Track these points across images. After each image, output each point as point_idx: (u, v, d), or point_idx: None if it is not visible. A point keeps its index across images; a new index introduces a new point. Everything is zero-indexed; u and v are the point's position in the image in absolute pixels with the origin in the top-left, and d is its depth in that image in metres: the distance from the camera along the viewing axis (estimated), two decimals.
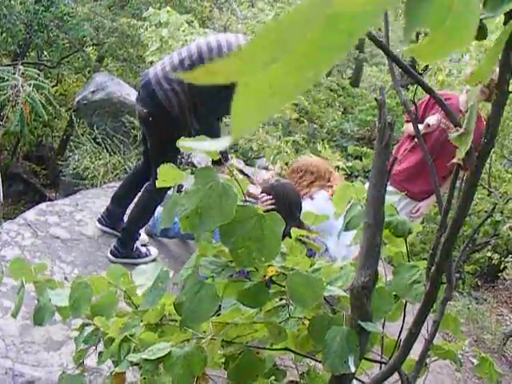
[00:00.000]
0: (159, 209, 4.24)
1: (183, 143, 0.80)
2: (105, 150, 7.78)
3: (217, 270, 1.50)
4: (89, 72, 11.70)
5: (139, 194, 4.25)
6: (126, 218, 4.39)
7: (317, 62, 0.38)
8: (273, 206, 3.60)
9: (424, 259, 1.63)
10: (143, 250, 4.37)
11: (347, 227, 1.80)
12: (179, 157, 6.25)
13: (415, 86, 9.43)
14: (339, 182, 4.32)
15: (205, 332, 1.69)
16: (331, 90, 13.62)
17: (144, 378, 1.63)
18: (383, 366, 1.67)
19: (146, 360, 1.57)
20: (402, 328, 1.78)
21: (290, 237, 1.79)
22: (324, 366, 1.48)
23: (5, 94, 6.89)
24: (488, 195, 9.06)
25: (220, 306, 1.88)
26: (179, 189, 1.59)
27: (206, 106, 3.90)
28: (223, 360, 1.71)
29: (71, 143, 8.67)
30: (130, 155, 7.70)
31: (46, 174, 12.34)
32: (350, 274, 1.70)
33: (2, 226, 4.47)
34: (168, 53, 6.75)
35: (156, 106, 3.94)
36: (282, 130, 9.16)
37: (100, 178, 7.38)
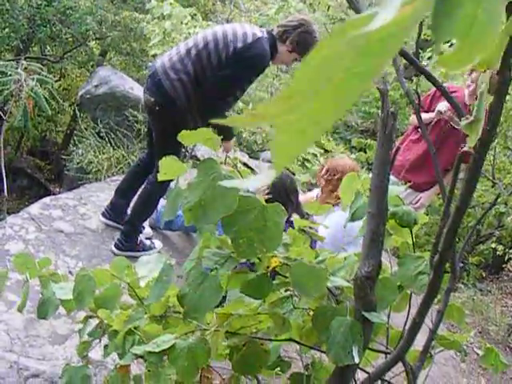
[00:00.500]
0: (162, 201, 4.24)
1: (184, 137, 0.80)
2: (108, 144, 7.79)
3: (220, 262, 1.50)
4: (92, 66, 11.71)
5: (142, 186, 4.25)
6: (129, 211, 4.39)
7: (353, 88, 0.39)
8: (270, 196, 3.62)
9: (429, 251, 1.63)
10: (147, 242, 4.37)
11: (353, 218, 1.80)
12: (183, 150, 6.25)
13: (419, 77, 9.42)
14: None
15: (209, 323, 1.70)
16: None
17: (149, 371, 1.63)
18: (388, 356, 1.67)
19: (150, 352, 1.57)
20: (407, 319, 1.77)
21: (291, 223, 1.79)
22: (328, 356, 1.48)
23: (8, 89, 6.88)
24: (492, 187, 9.05)
25: (225, 297, 1.88)
26: None
27: (214, 91, 3.90)
28: (228, 351, 1.72)
29: (75, 138, 8.68)
30: (133, 149, 7.70)
31: (50, 168, 12.35)
32: (354, 264, 1.70)
33: (6, 220, 4.48)
34: (171, 45, 6.74)
35: (162, 96, 3.95)
36: None
37: (104, 172, 7.39)
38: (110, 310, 1.84)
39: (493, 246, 8.66)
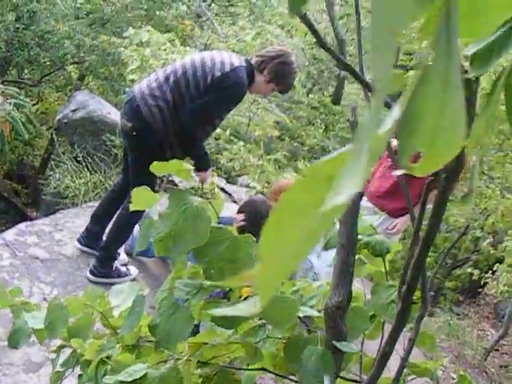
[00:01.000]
0: (137, 227, 4.23)
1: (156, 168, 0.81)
2: (85, 169, 7.76)
3: (192, 292, 1.50)
4: (70, 90, 11.69)
5: (118, 212, 4.25)
6: (104, 237, 4.38)
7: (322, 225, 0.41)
8: (245, 223, 3.65)
9: None
10: (123, 269, 4.35)
11: (326, 247, 1.81)
12: (160, 176, 6.25)
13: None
14: None
15: (182, 353, 1.70)
16: (312, 108, 13.66)
17: None
18: None
19: (122, 382, 1.57)
20: (379, 347, 1.79)
21: None
22: None
23: None
24: None
25: (198, 327, 1.89)
26: None
27: (192, 120, 3.91)
28: (200, 381, 1.72)
29: (52, 162, 8.64)
30: (110, 174, 7.68)
31: (27, 192, 12.26)
32: (326, 293, 1.71)
33: None
34: (148, 71, 6.76)
35: (140, 121, 3.96)
36: (263, 148, 9.19)
37: (81, 197, 7.35)
38: (83, 339, 1.84)
39: (469, 270, 8.71)
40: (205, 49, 9.12)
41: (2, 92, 7.48)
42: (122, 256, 4.51)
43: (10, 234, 4.58)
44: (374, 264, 1.88)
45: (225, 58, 4.03)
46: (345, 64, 1.34)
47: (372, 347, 1.94)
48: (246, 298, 1.61)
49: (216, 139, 8.21)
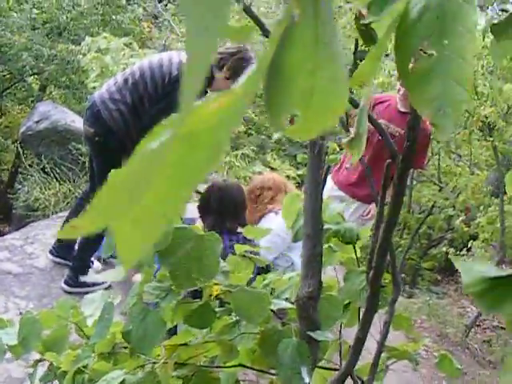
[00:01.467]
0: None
1: None
2: (54, 180, 7.70)
3: (161, 296, 1.50)
4: (32, 102, 11.58)
5: None
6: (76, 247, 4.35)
7: (183, 184, 0.38)
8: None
9: None
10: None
11: (295, 239, 1.81)
12: None
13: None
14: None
15: (158, 356, 1.69)
16: None
17: None
18: None
19: None
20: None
21: (239, 238, 1.82)
22: (279, 379, 1.49)
23: None
24: (439, 190, 9.19)
25: (175, 329, 1.88)
26: None
27: (151, 124, 3.89)
28: (180, 382, 1.71)
29: (20, 175, 8.57)
30: (79, 182, 7.63)
31: None
32: (298, 284, 1.71)
33: None
34: (110, 77, 6.73)
35: (101, 126, 3.94)
36: (230, 143, 9.17)
37: (51, 208, 7.30)
38: (59, 351, 1.82)
39: (444, 249, 8.77)
40: (164, 50, 9.07)
41: None
42: (96, 264, 4.48)
43: None
44: (345, 251, 1.88)
45: (182, 57, 4.02)
46: None
47: (352, 334, 1.94)
48: (217, 297, 1.61)
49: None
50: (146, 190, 0.36)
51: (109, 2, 10.57)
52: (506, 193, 6.78)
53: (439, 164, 8.92)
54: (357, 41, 1.80)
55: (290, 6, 0.40)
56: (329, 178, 5.35)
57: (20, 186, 8.20)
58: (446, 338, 6.17)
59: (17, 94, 11.75)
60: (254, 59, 4.08)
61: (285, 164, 9.66)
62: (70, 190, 7.52)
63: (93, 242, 4.21)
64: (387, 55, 5.25)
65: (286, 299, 1.72)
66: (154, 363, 1.63)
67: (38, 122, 8.70)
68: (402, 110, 4.83)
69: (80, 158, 7.82)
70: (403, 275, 8.94)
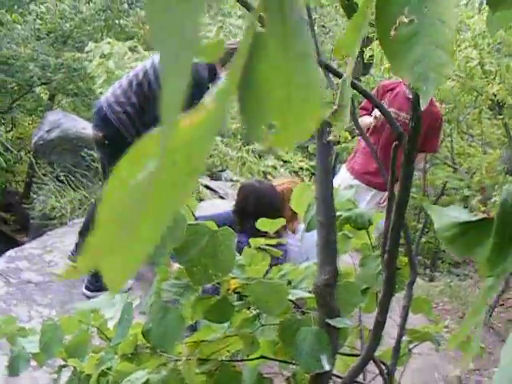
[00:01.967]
0: None
1: None
2: (69, 187, 7.73)
3: (179, 292, 1.51)
4: (42, 112, 11.64)
5: None
6: None
7: (165, 205, 0.38)
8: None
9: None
10: None
11: (308, 229, 1.81)
12: None
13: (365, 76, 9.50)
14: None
15: (181, 354, 1.70)
16: None
17: None
18: None
19: None
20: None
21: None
22: (299, 367, 1.49)
23: None
24: (454, 172, 9.15)
25: (196, 326, 1.89)
26: None
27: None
28: (204, 378, 1.72)
29: (34, 185, 8.61)
30: (94, 188, 7.66)
31: (14, 219, 12.21)
32: (315, 273, 1.72)
33: None
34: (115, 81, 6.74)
35: (110, 130, 3.97)
36: (242, 139, 9.17)
37: (68, 216, 7.33)
38: (82, 355, 1.83)
39: None
40: None
41: None
42: None
43: (0, 263, 4.57)
44: (359, 237, 1.88)
45: None
46: None
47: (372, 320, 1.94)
48: (234, 290, 1.61)
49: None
50: (140, 222, 0.36)
51: (110, 7, 10.60)
52: None
53: (452, 145, 8.89)
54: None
55: (254, 15, 0.40)
56: (343, 167, 5.34)
57: (35, 196, 8.24)
58: (492, 330, 6.13)
59: (26, 105, 11.82)
60: None
61: (297, 155, 9.64)
62: (85, 197, 7.55)
63: None
64: None
65: (304, 288, 1.72)
66: (177, 361, 1.64)
67: (48, 131, 8.74)
68: (411, 96, 4.80)
69: (93, 163, 7.85)
70: (423, 259, 8.92)
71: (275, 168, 8.73)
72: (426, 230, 8.19)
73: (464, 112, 7.85)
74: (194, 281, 1.43)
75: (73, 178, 7.80)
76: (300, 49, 0.41)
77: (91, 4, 10.61)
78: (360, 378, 1.94)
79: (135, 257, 0.38)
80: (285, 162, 9.24)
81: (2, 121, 11.28)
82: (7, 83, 10.41)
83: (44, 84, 11.28)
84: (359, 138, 5.43)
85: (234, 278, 1.59)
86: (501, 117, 6.77)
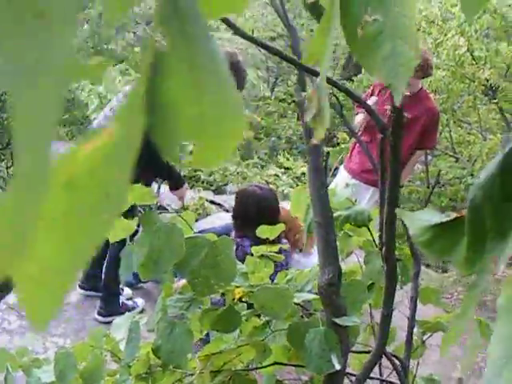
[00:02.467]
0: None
1: None
2: None
3: (184, 307, 1.51)
4: None
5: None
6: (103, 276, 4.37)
7: (83, 234, 0.36)
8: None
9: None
10: (129, 303, 4.36)
11: (309, 230, 1.82)
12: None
13: (360, 77, 9.50)
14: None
15: (194, 368, 1.70)
16: (280, 101, 13.66)
17: None
18: None
19: None
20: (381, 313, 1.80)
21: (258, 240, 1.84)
22: (309, 369, 1.49)
23: None
24: (456, 161, 9.13)
25: (208, 338, 1.89)
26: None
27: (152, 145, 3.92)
28: None
29: None
30: None
31: None
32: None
33: None
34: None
35: None
36: (243, 151, 9.18)
37: None
38: (98, 380, 1.84)
39: None
40: None
41: None
42: (126, 291, 4.51)
43: (11, 297, 4.57)
44: (360, 235, 1.89)
45: None
46: (273, 49, 1.35)
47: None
48: (240, 299, 1.62)
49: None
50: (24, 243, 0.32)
51: (98, 33, 10.65)
52: None
53: (451, 135, 8.87)
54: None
55: (153, 35, 0.39)
56: (341, 167, 5.34)
57: None
58: (484, 306, 6.12)
59: None
60: (240, 62, 4.08)
61: (298, 162, 9.66)
62: None
63: (117, 269, 4.22)
64: None
65: (310, 291, 1.73)
66: (191, 375, 1.65)
67: None
68: (405, 93, 4.81)
69: None
70: None
71: (277, 176, 8.74)
72: None
73: (459, 100, 7.84)
74: (197, 293, 1.44)
75: None
76: (209, 66, 0.40)
77: (78, 32, 10.67)
78: (377, 374, 1.95)
79: (56, 287, 0.36)
80: (286, 169, 9.25)
81: (2, 157, 11.30)
82: (3, 120, 10.44)
83: None
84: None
85: (238, 286, 1.60)
86: (495, 101, 6.77)
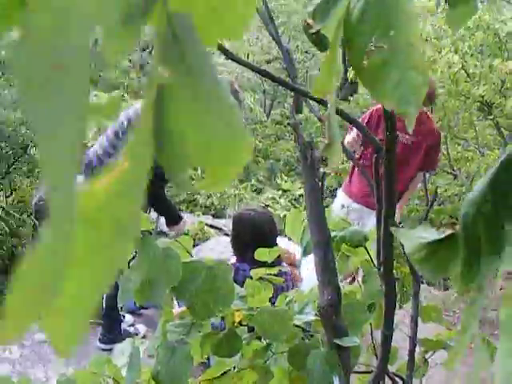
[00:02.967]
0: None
1: None
2: None
3: (184, 331, 1.51)
4: (38, 173, 11.67)
5: None
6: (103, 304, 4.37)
7: (101, 266, 0.38)
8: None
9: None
10: (131, 329, 4.35)
11: (305, 252, 1.82)
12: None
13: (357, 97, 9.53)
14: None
15: None
16: (277, 123, 13.71)
17: None
18: None
19: None
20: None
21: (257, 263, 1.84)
22: None
23: None
24: (454, 179, 9.13)
25: (209, 362, 1.88)
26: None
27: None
28: None
29: None
30: None
31: None
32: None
33: None
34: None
35: None
36: (241, 174, 9.19)
37: None
38: None
39: None
40: None
41: None
42: (127, 317, 4.50)
43: None
44: (358, 255, 1.88)
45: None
46: (266, 73, 1.36)
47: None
48: (240, 322, 1.61)
49: (192, 179, 8.23)
50: (58, 282, 0.34)
51: (94, 61, 10.68)
52: None
53: (448, 152, 8.87)
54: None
55: (155, 68, 0.40)
56: (340, 191, 5.31)
57: None
58: (488, 322, 6.10)
59: (23, 168, 11.83)
60: (239, 92, 4.09)
61: (295, 183, 9.67)
62: None
63: (114, 296, 4.22)
64: None
65: (309, 312, 1.72)
66: None
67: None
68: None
69: None
70: None
71: (274, 199, 8.74)
72: None
73: (455, 118, 7.85)
74: (196, 317, 1.43)
75: None
76: (212, 92, 0.41)
77: None
78: None
79: (79, 317, 0.38)
80: (284, 191, 9.26)
81: (1, 186, 11.30)
82: (1, 149, 10.45)
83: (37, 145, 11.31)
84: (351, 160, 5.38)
85: (237, 310, 1.59)
86: (491, 117, 6.78)
